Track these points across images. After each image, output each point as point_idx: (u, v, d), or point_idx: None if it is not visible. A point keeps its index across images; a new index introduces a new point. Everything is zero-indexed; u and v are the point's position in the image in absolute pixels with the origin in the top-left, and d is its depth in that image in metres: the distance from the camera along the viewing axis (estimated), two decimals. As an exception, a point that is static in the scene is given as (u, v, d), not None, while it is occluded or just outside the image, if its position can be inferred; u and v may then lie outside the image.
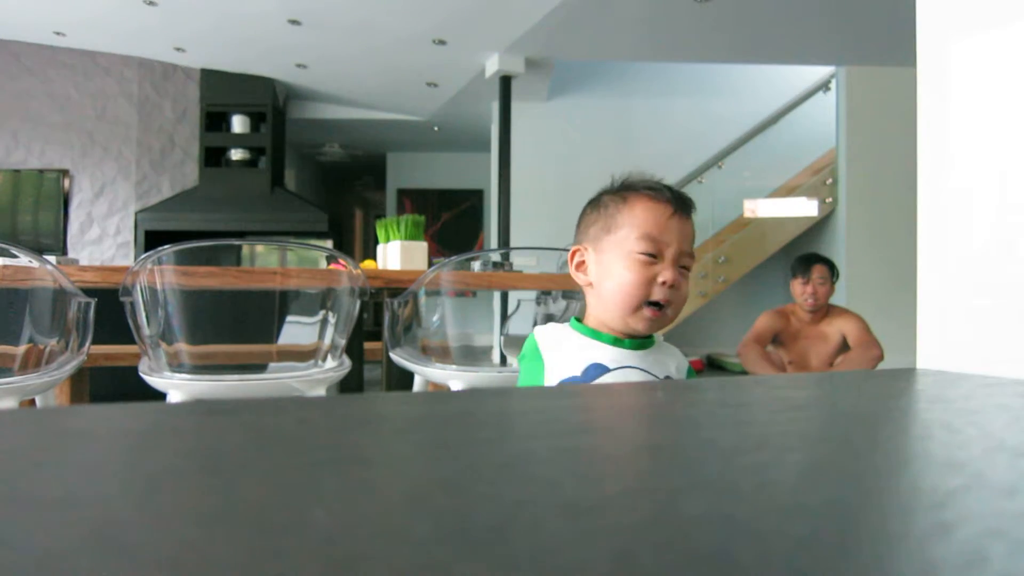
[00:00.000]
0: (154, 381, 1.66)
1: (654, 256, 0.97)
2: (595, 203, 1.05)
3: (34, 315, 1.71)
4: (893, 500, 0.20)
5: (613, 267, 0.99)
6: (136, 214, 5.96)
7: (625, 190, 1.02)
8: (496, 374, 1.90)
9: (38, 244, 5.70)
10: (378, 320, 5.17)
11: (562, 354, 0.99)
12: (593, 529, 0.16)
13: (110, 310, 1.87)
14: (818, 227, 6.11)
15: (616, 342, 1.00)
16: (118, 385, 2.94)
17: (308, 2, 4.63)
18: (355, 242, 10.95)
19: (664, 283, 0.96)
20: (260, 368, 1.87)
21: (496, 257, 2.84)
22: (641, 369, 0.99)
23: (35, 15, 5.13)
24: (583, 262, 1.05)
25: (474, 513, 0.18)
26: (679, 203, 1.00)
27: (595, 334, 1.01)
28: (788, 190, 6.24)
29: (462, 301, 2.44)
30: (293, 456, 0.24)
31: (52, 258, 1.90)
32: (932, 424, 0.33)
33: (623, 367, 0.98)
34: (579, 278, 1.05)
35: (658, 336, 1.07)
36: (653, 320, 0.98)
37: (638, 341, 1.01)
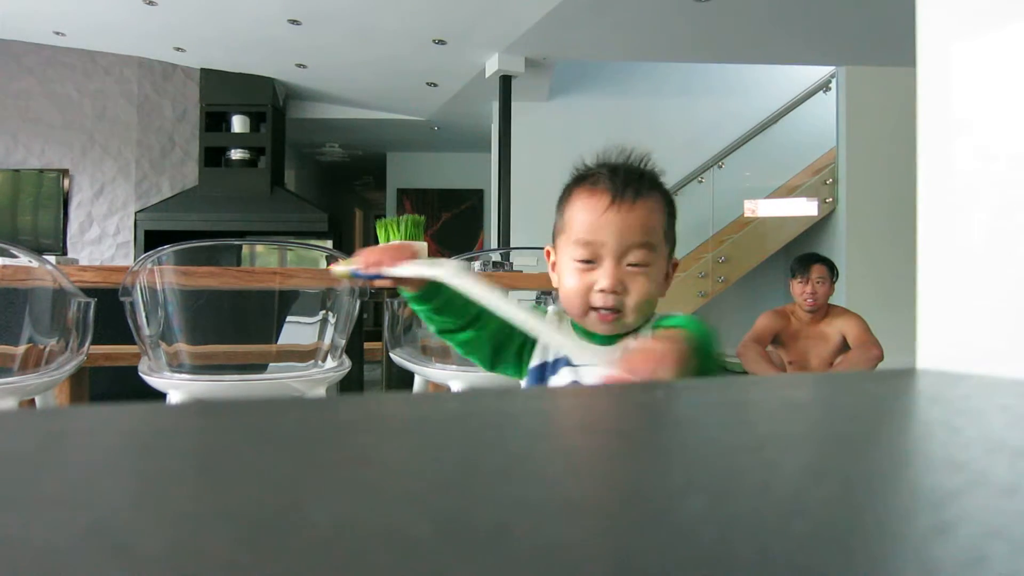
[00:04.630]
0: (154, 381, 1.66)
1: (591, 261, 0.88)
2: (561, 195, 0.96)
3: (34, 315, 1.71)
4: (893, 500, 0.20)
5: (562, 273, 0.93)
6: (136, 214, 5.96)
7: (573, 182, 0.93)
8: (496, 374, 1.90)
9: (38, 244, 5.70)
10: (378, 320, 5.17)
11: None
12: (593, 529, 0.16)
13: (110, 310, 1.87)
14: (818, 227, 6.10)
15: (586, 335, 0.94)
16: (118, 385, 2.94)
17: (308, 2, 4.63)
18: (355, 242, 10.95)
19: (603, 290, 0.87)
20: (260, 368, 1.87)
21: (496, 257, 2.84)
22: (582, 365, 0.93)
23: (35, 15, 5.12)
24: (553, 263, 0.97)
25: (474, 513, 0.18)
26: (622, 188, 0.87)
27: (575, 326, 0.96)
28: (788, 190, 6.24)
29: (462, 301, 2.43)
30: (293, 456, 0.24)
31: (52, 258, 1.90)
32: (932, 424, 0.33)
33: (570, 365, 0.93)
34: (552, 279, 0.99)
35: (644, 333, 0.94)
36: (608, 324, 0.89)
37: (602, 337, 0.92)
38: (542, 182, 6.31)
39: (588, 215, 0.88)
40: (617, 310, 0.87)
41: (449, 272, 0.85)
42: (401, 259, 0.88)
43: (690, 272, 6.05)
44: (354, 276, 0.93)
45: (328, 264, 2.11)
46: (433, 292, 0.91)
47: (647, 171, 0.91)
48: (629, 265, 0.87)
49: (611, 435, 0.29)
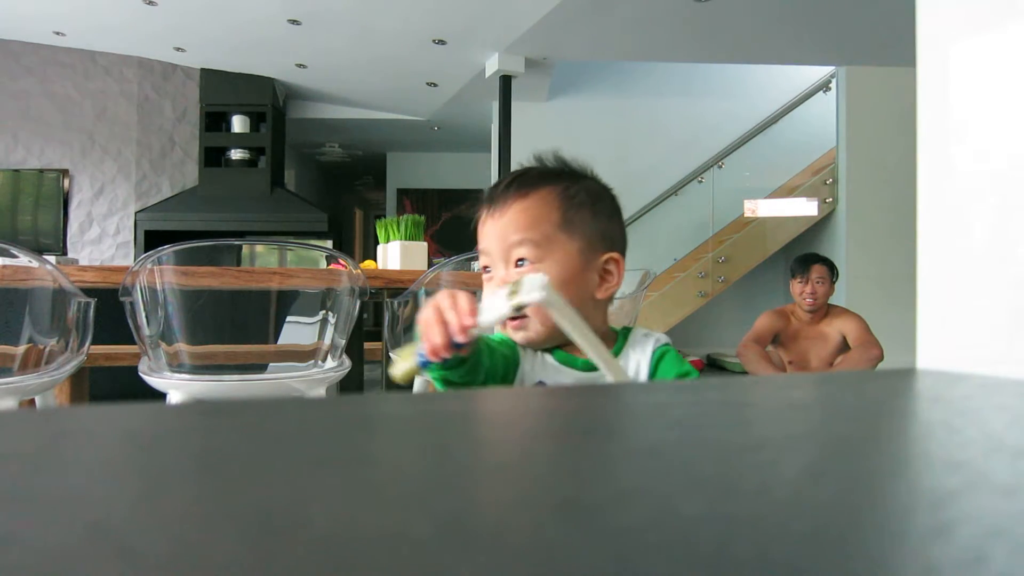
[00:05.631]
0: (154, 381, 1.66)
1: (490, 269, 0.87)
2: None
3: (34, 315, 1.71)
4: (893, 500, 0.20)
5: None
6: (136, 214, 5.96)
7: None
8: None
9: (38, 244, 5.70)
10: (378, 320, 5.17)
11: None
12: (593, 529, 0.16)
13: (110, 310, 1.87)
14: (818, 227, 6.11)
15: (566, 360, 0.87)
16: (118, 385, 2.94)
17: (308, 2, 4.63)
18: (355, 242, 10.95)
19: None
20: (260, 368, 1.87)
21: (496, 257, 2.84)
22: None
23: (35, 15, 5.12)
24: None
25: (474, 513, 0.18)
26: (496, 194, 0.86)
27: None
28: (788, 190, 6.24)
29: (462, 301, 2.43)
30: (293, 456, 0.24)
31: (52, 258, 1.90)
32: (932, 424, 0.33)
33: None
34: None
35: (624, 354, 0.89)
36: (520, 332, 0.85)
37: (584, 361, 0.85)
38: (542, 182, 6.31)
39: (480, 229, 0.88)
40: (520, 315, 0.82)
41: (535, 294, 0.65)
42: (471, 307, 0.68)
43: (690, 272, 6.05)
44: (423, 366, 0.71)
45: (328, 264, 2.11)
46: (473, 359, 0.76)
47: (535, 168, 0.88)
48: (516, 265, 0.83)
49: (611, 435, 0.29)
